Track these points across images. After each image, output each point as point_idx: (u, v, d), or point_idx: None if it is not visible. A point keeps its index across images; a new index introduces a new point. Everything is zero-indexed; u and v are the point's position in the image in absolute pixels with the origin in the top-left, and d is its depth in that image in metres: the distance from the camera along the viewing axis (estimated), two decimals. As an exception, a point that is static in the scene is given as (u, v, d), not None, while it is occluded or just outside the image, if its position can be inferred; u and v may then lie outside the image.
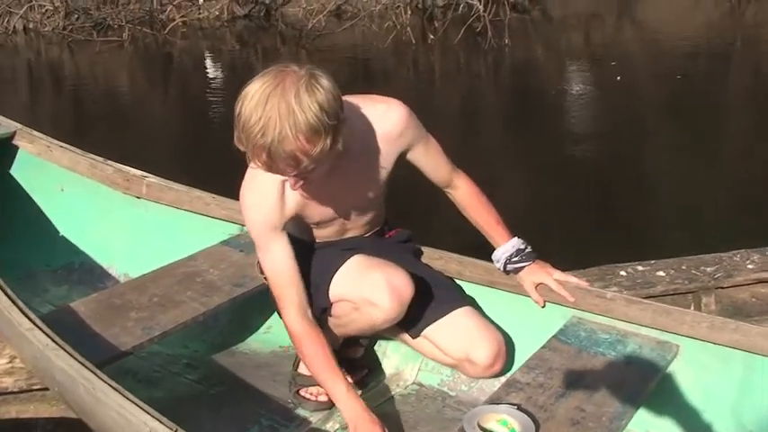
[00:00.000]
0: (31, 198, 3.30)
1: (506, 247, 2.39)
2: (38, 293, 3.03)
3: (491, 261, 2.45)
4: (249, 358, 2.65)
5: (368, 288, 2.15)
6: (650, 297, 2.91)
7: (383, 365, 2.60)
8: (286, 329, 2.18)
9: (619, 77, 8.37)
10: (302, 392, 2.40)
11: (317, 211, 2.23)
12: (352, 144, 2.07)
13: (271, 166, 1.91)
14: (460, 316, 2.38)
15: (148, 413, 1.80)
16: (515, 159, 6.16)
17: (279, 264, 2.15)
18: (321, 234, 2.35)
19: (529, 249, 2.40)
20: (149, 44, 11.95)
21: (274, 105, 1.83)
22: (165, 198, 3.03)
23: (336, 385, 2.08)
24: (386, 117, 2.18)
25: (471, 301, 2.47)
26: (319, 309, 2.24)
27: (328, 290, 2.21)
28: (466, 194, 2.43)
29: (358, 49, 11.20)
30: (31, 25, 12.49)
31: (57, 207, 3.28)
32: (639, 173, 5.65)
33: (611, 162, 5.93)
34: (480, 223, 2.43)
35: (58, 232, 3.26)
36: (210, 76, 10.14)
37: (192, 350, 2.71)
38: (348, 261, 2.22)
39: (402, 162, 2.28)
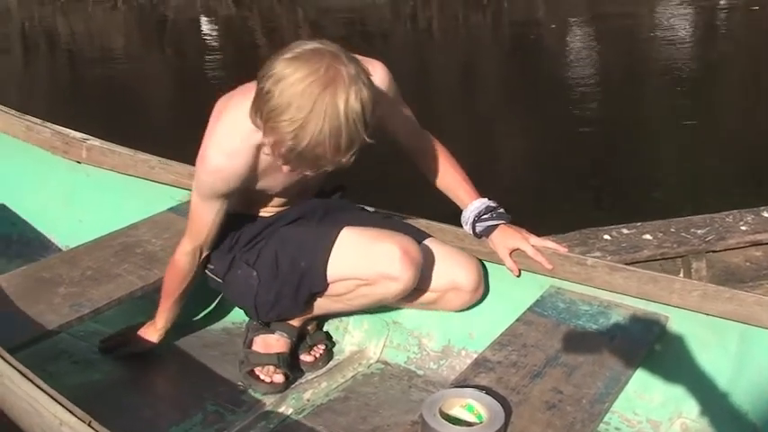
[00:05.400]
0: None
1: (475, 204, 2.18)
2: (-30, 268, 2.79)
3: (461, 227, 2.23)
4: (198, 336, 2.41)
5: (382, 261, 2.01)
6: (636, 263, 2.71)
7: (344, 343, 2.37)
8: (174, 254, 2.14)
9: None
10: (256, 372, 2.17)
11: (281, 183, 2.05)
12: None
13: (287, 161, 1.74)
14: (432, 245, 2.20)
15: (60, 404, 1.58)
16: (509, 117, 5.99)
17: (207, 217, 2.05)
18: (271, 203, 2.18)
19: (501, 210, 2.19)
20: (143, 5, 11.76)
21: (320, 111, 1.64)
22: (107, 162, 2.78)
23: (161, 318, 2.20)
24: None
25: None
26: (312, 294, 2.10)
27: (325, 271, 2.04)
28: (432, 155, 2.23)
29: (355, 6, 10.96)
30: (23, -13, 12.26)
31: (-9, 174, 3.02)
32: (633, 132, 5.48)
33: (604, 121, 5.79)
34: (447, 182, 2.22)
35: (-7, 202, 3.00)
36: (206, 36, 9.93)
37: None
38: (341, 237, 2.05)
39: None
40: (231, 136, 1.89)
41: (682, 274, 2.79)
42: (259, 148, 1.87)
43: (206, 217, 2.04)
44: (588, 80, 7.03)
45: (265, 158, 1.90)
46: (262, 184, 2.03)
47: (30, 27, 11.31)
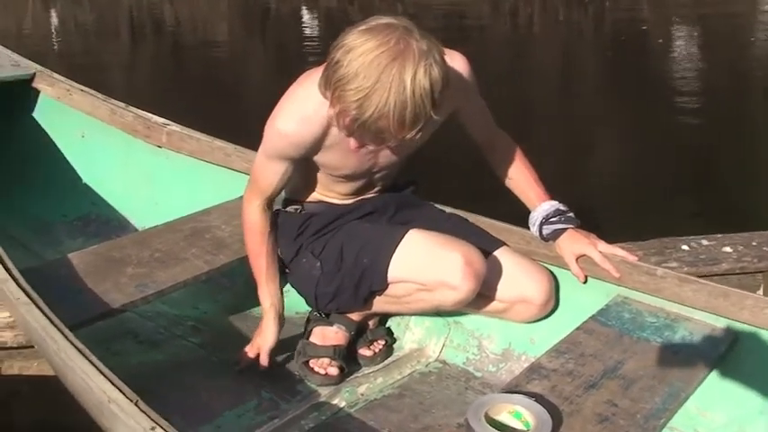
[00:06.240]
0: (51, 144, 3.14)
1: (544, 206, 2.14)
2: (52, 245, 2.88)
3: (528, 229, 2.19)
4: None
5: (443, 269, 1.99)
6: (713, 276, 2.61)
7: (404, 339, 2.35)
8: (242, 214, 2.12)
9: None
10: (311, 363, 2.18)
11: (352, 164, 2.04)
12: None
13: (351, 132, 1.75)
14: (503, 255, 2.16)
15: (111, 381, 1.59)
16: (604, 117, 5.85)
17: (273, 175, 2.04)
18: (340, 190, 2.17)
19: (570, 214, 2.14)
20: None
21: (386, 82, 1.63)
22: (185, 147, 2.83)
23: (265, 297, 2.12)
24: (450, 68, 1.92)
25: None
26: (372, 292, 2.09)
27: (386, 271, 2.03)
28: (504, 153, 2.21)
29: (454, 1, 10.95)
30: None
31: (77, 154, 3.12)
32: (727, 139, 5.28)
33: (700, 126, 5.59)
34: (517, 182, 2.20)
35: (76, 181, 3.10)
36: (306, 26, 10.07)
37: (201, 312, 2.51)
38: (406, 239, 2.04)
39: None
40: (305, 103, 1.89)
41: (761, 291, 2.67)
42: (330, 120, 1.86)
43: (270, 176, 2.04)
44: (688, 83, 6.82)
45: (334, 134, 1.90)
46: (329, 161, 2.02)
47: (137, 13, 11.70)
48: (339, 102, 1.70)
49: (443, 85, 1.69)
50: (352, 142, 1.81)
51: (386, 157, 2.04)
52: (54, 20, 11.87)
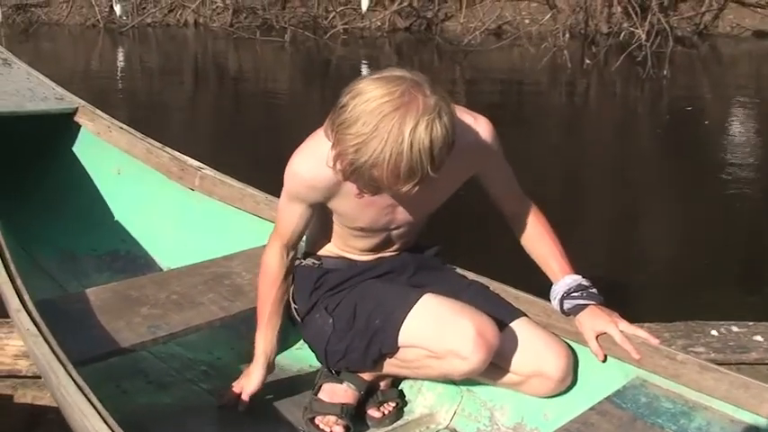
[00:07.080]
0: (87, 178, 3.19)
1: (566, 280, 2.09)
2: (78, 277, 2.91)
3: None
4: (272, 374, 2.39)
5: (454, 338, 1.95)
6: (742, 364, 2.51)
7: (415, 403, 2.29)
8: (262, 256, 2.15)
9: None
10: (317, 420, 2.14)
11: (368, 217, 2.02)
12: None
13: (346, 176, 1.74)
14: (522, 326, 2.10)
15: (106, 422, 1.58)
16: (659, 194, 5.76)
17: (292, 217, 2.07)
18: (358, 245, 2.15)
19: (593, 290, 2.08)
20: (310, 48, 12.37)
21: (384, 131, 1.64)
22: (216, 192, 2.85)
23: (260, 341, 2.15)
24: (472, 130, 1.95)
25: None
26: (381, 354, 2.06)
27: (397, 335, 2.00)
28: (531, 222, 2.17)
29: (513, 69, 11.14)
30: (201, 20, 13.52)
31: (111, 190, 3.16)
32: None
33: (752, 211, 5.41)
34: (541, 252, 2.15)
35: (108, 216, 3.13)
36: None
37: (215, 357, 2.49)
38: (419, 303, 2.01)
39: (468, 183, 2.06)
40: (320, 146, 1.86)
41: (794, 384, 2.56)
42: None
43: (291, 218, 2.06)
44: (739, 167, 6.68)
45: (349, 183, 1.87)
46: (345, 210, 2.01)
47: (202, 58, 11.98)
48: (339, 144, 1.71)
49: (445, 144, 1.67)
50: (355, 188, 1.81)
51: (403, 213, 2.03)
52: (120, 57, 12.24)
